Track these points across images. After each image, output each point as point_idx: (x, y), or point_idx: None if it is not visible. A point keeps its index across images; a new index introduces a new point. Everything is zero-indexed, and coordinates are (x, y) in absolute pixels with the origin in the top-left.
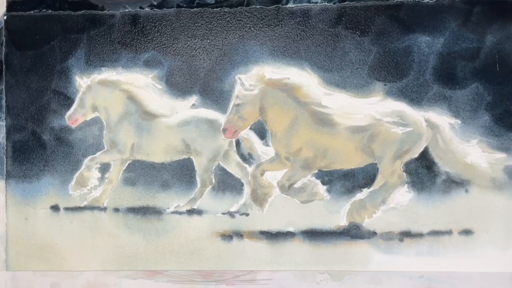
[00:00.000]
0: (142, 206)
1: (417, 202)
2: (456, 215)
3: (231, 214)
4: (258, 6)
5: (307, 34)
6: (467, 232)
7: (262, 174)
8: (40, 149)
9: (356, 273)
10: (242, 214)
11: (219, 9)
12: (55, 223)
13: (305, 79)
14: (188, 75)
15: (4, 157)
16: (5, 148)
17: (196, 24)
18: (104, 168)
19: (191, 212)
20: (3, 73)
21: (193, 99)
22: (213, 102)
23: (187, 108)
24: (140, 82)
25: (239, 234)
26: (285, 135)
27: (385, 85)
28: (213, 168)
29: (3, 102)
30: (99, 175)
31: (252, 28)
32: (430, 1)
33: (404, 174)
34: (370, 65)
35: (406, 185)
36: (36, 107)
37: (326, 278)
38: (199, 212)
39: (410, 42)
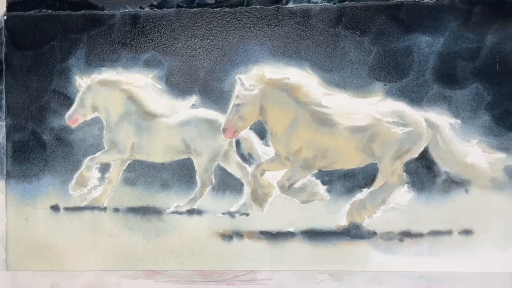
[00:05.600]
0: (142, 206)
1: (417, 202)
2: (456, 215)
3: (231, 214)
4: (258, 6)
5: (307, 34)
6: (467, 232)
7: (262, 174)
8: (40, 149)
9: (356, 273)
10: (242, 214)
11: (219, 9)
12: (55, 223)
13: (305, 79)
14: (188, 75)
15: (4, 157)
16: (5, 148)
17: (196, 24)
18: (104, 168)
19: (191, 212)
20: (3, 73)
21: (193, 99)
22: (213, 102)
23: (187, 108)
24: (140, 82)
25: (239, 234)
26: (285, 135)
27: (385, 85)
28: (213, 168)
29: (3, 102)
30: (99, 175)
31: (252, 28)
32: (430, 1)
33: (404, 174)
34: (370, 65)
35: (406, 185)
36: (36, 107)
37: (326, 278)
38: (199, 212)
39: (410, 42)
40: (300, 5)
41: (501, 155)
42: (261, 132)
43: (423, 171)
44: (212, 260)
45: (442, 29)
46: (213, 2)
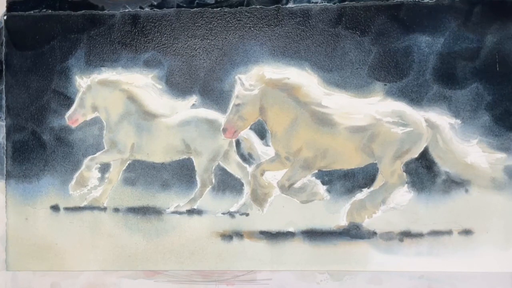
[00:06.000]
0: (142, 206)
1: (417, 202)
2: (456, 215)
3: (231, 214)
4: (258, 6)
5: (307, 34)
6: (467, 232)
7: (262, 174)
8: (40, 149)
9: (356, 273)
10: (242, 214)
11: (219, 9)
12: (55, 223)
13: (305, 79)
14: (188, 75)
15: (4, 157)
16: (5, 148)
17: (196, 24)
18: (104, 168)
19: (191, 212)
20: (3, 73)
21: (193, 99)
22: (213, 102)
23: (187, 108)
24: (140, 82)
25: (239, 234)
26: (285, 135)
27: (385, 85)
28: (213, 168)
29: (3, 102)
30: (99, 175)
31: (252, 28)
32: (430, 1)
33: (404, 174)
34: (370, 65)
35: (406, 185)
36: (36, 107)
37: (326, 278)
38: (199, 212)
39: (410, 42)
40: (300, 5)
41: (501, 155)
42: (261, 132)
43: (423, 171)
44: (212, 260)
45: (442, 29)
46: (213, 2)
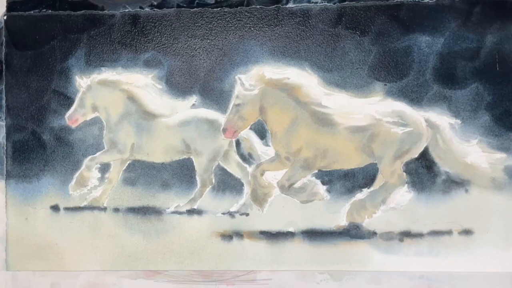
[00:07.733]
0: (142, 206)
1: (417, 202)
2: (456, 215)
3: (231, 214)
4: (258, 6)
5: (307, 34)
6: (467, 232)
7: (262, 174)
8: (40, 149)
9: (356, 273)
10: (242, 214)
11: (219, 9)
12: (55, 223)
13: (305, 79)
14: (188, 75)
15: (4, 157)
16: (5, 148)
17: (196, 24)
18: (104, 168)
19: (191, 212)
20: (3, 73)
21: (193, 99)
22: (213, 102)
23: (187, 108)
24: (140, 82)
25: (239, 234)
26: (285, 135)
27: (385, 85)
28: (213, 168)
29: (3, 102)
30: (99, 175)
31: (252, 28)
32: (430, 1)
33: (404, 174)
34: (370, 65)
35: (406, 185)
36: (36, 107)
37: (326, 278)
38: (199, 212)
39: (410, 42)
40: (300, 5)
41: (501, 155)
42: (261, 132)
43: (423, 171)
44: (212, 260)
45: (442, 29)
46: (213, 2)
